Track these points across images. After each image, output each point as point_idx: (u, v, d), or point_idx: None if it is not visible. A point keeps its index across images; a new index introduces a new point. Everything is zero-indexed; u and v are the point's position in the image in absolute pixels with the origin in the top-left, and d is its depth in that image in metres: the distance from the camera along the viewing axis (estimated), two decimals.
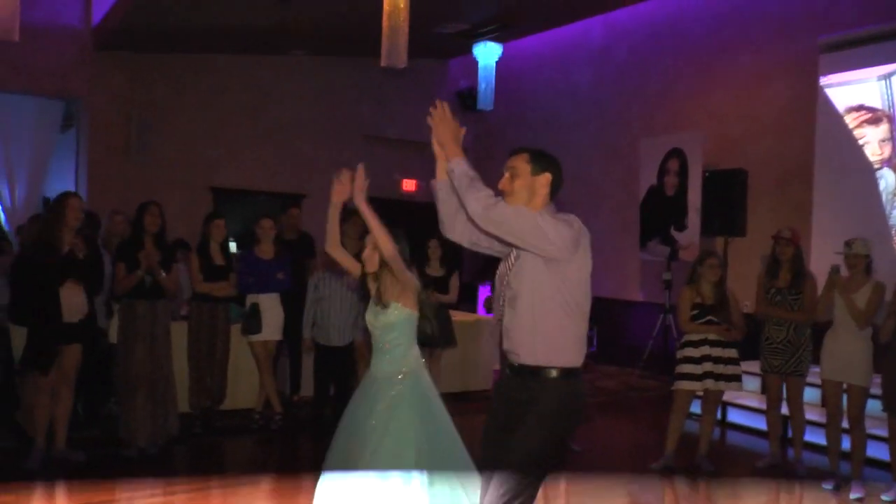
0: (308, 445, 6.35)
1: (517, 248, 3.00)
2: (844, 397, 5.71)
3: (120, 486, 5.23)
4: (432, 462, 3.53)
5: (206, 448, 6.16)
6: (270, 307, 6.45)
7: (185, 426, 6.24)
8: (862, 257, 5.66)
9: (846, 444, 5.80)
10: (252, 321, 6.36)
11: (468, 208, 2.91)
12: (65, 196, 5.49)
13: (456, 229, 3.22)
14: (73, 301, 5.41)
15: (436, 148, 3.16)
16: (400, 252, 3.69)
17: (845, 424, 5.74)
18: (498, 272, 3.16)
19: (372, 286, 3.82)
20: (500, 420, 3.11)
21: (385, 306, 3.71)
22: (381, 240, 3.63)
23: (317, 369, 6.50)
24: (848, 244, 5.72)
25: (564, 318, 2.98)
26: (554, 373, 2.98)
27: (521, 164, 3.10)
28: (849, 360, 5.57)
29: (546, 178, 3.09)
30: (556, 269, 2.95)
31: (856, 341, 5.59)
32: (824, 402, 5.86)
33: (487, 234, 3.05)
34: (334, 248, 3.94)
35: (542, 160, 3.12)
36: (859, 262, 5.66)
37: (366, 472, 3.50)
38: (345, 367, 6.46)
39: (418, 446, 3.53)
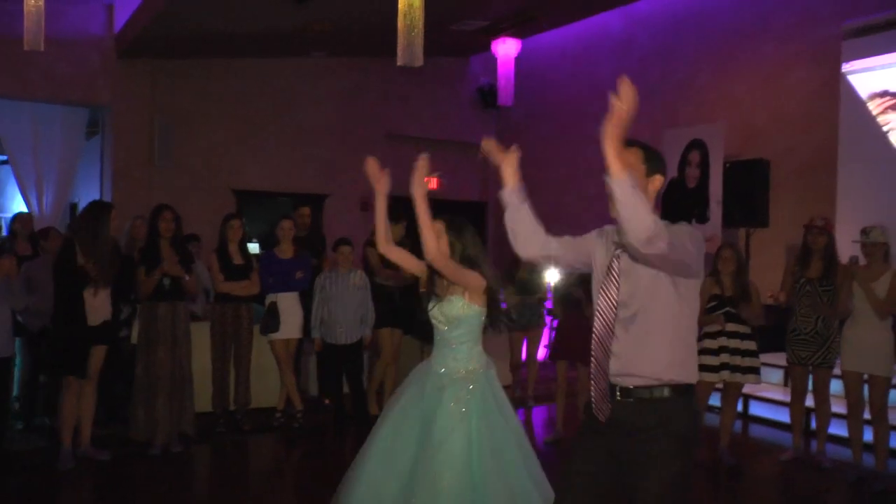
0: (329, 443, 6.42)
1: (635, 259, 2.59)
2: (866, 388, 5.63)
3: (144, 483, 5.34)
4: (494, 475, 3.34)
5: (229, 447, 6.24)
6: (290, 306, 6.52)
7: (207, 425, 6.35)
8: (880, 245, 5.56)
9: (869, 435, 5.72)
10: (271, 320, 6.43)
11: (636, 233, 2.33)
12: (106, 207, 5.70)
13: (531, 247, 2.87)
14: (97, 305, 5.53)
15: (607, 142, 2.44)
16: (464, 250, 3.51)
17: (868, 416, 5.66)
18: (601, 289, 2.73)
19: (435, 279, 3.58)
20: (611, 451, 2.69)
21: (446, 299, 3.49)
22: (426, 239, 3.37)
23: (321, 367, 6.58)
24: (865, 232, 5.62)
25: (686, 333, 2.71)
26: (678, 392, 2.64)
27: (636, 161, 2.68)
28: (870, 350, 5.48)
29: (659, 181, 2.74)
30: (685, 285, 2.65)
31: (877, 331, 5.51)
32: (847, 394, 5.78)
33: (635, 259, 2.58)
34: (387, 246, 3.69)
35: (657, 160, 2.75)
36: (877, 250, 5.56)
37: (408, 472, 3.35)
38: (354, 364, 6.56)
39: (481, 457, 3.34)
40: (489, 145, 2.90)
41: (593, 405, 2.74)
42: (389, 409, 3.62)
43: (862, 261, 5.67)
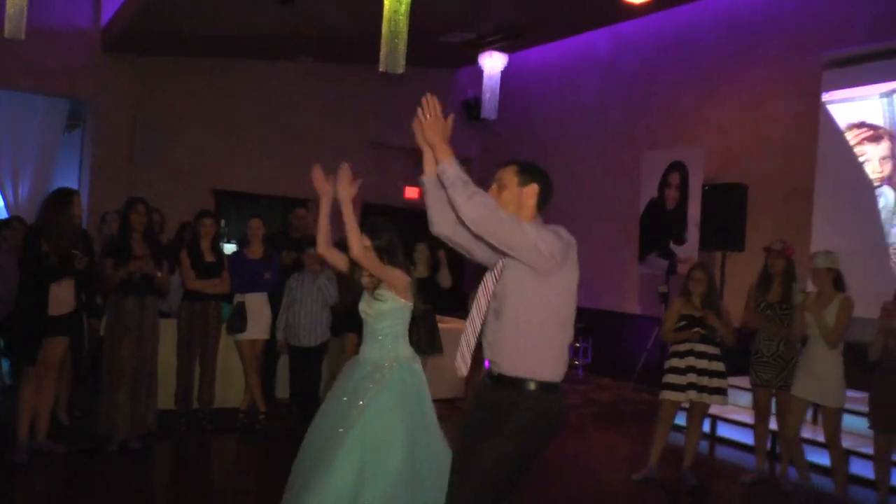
0: (290, 445, 6.33)
1: (506, 255, 2.94)
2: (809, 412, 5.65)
3: (100, 478, 5.25)
4: (410, 450, 3.55)
5: (188, 445, 6.16)
6: (257, 307, 6.47)
7: (169, 423, 6.28)
8: (824, 271, 5.52)
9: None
10: (237, 320, 6.38)
11: (461, 211, 2.82)
12: (68, 192, 5.61)
13: (443, 225, 3.14)
14: (61, 295, 5.45)
15: (423, 144, 3.10)
16: (386, 245, 3.82)
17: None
18: (483, 282, 3.11)
19: (366, 276, 3.87)
20: (475, 427, 3.07)
21: (375, 294, 3.78)
22: (351, 238, 3.69)
23: (290, 369, 6.53)
24: (811, 258, 5.62)
25: (549, 331, 2.97)
26: (533, 385, 2.95)
27: (509, 175, 3.09)
28: (821, 379, 5.45)
29: (533, 189, 3.07)
30: (544, 281, 2.92)
31: (827, 360, 5.46)
32: (787, 414, 5.73)
33: (478, 238, 2.98)
34: (325, 249, 4.02)
35: (529, 171, 3.11)
36: (821, 276, 5.52)
37: (340, 446, 3.52)
38: (313, 367, 6.50)
39: (396, 429, 3.57)
40: (419, 125, 3.09)
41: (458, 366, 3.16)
42: (324, 403, 3.87)
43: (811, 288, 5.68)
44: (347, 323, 6.72)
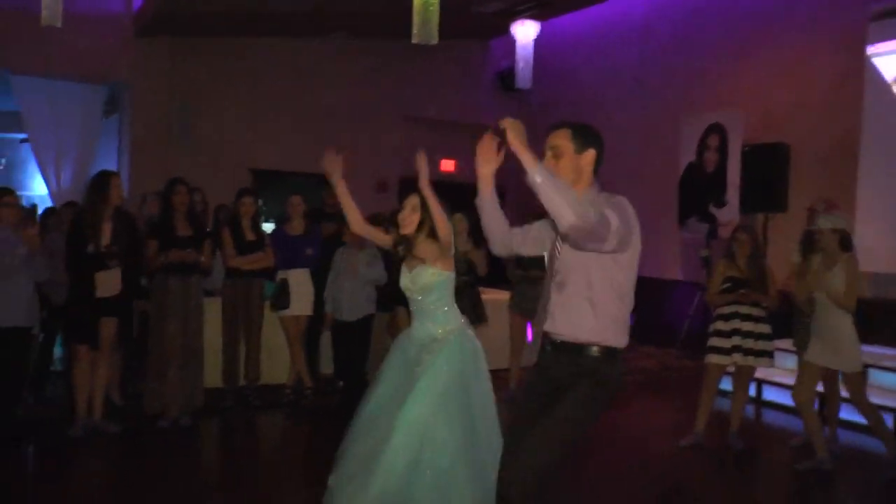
0: (336, 422, 6.39)
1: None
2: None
3: (153, 455, 5.38)
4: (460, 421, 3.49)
5: (237, 422, 6.27)
6: (300, 283, 6.52)
7: (216, 400, 6.39)
8: (828, 232, 5.33)
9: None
10: (281, 296, 6.44)
11: (565, 220, 2.62)
12: (108, 175, 5.68)
13: (500, 246, 3.27)
14: (106, 277, 5.56)
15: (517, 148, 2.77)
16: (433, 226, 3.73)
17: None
18: (547, 256, 3.14)
19: (406, 250, 3.82)
20: (536, 395, 3.07)
21: (420, 268, 3.71)
22: (439, 223, 3.67)
23: (333, 345, 6.59)
24: (813, 217, 5.49)
25: (611, 302, 2.94)
26: (596, 351, 2.94)
27: (564, 141, 2.95)
28: (834, 344, 5.31)
29: (591, 154, 2.98)
30: (610, 256, 2.88)
31: (838, 326, 5.29)
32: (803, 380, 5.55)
33: (566, 242, 2.92)
34: (359, 226, 4.01)
35: (585, 135, 2.99)
36: (825, 237, 5.34)
37: (398, 423, 3.45)
38: (358, 342, 6.51)
39: (452, 398, 3.50)
40: (511, 126, 2.81)
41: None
42: (375, 381, 3.80)
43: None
44: (396, 296, 6.75)
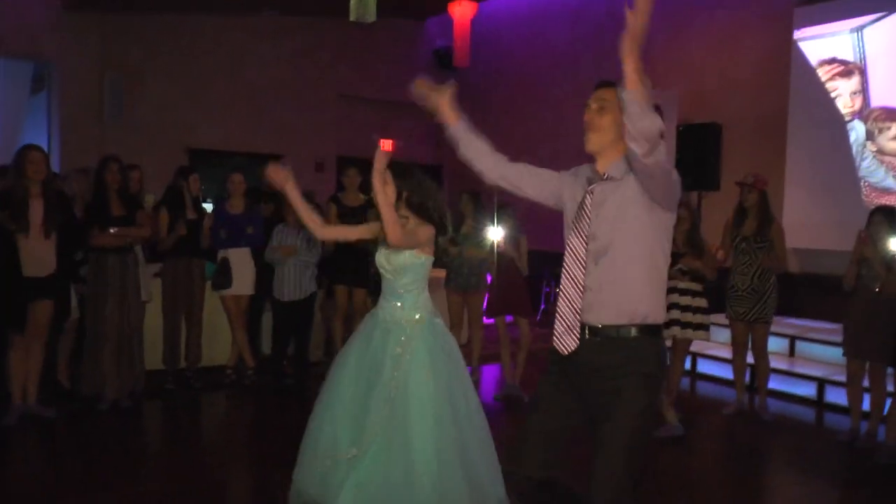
0: (278, 400, 6.39)
1: (594, 191, 2.71)
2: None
3: (93, 438, 5.28)
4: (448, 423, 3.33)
5: (178, 403, 6.20)
6: (241, 262, 6.46)
7: (157, 382, 6.31)
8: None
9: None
10: (222, 276, 6.38)
11: (645, 139, 2.39)
12: (24, 149, 5.46)
13: (491, 172, 3.00)
14: (38, 255, 5.37)
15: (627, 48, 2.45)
16: (410, 197, 3.50)
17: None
18: (567, 222, 2.80)
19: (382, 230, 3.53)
20: (572, 389, 2.73)
21: (393, 248, 3.48)
22: (389, 231, 3.35)
23: (274, 325, 6.58)
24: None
25: (656, 271, 2.67)
26: (646, 331, 2.64)
27: (614, 98, 2.67)
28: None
29: None
30: (658, 218, 2.66)
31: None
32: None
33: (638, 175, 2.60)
34: (321, 230, 3.75)
35: None
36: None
37: (374, 422, 3.32)
38: (302, 322, 6.52)
39: (437, 387, 3.35)
40: (421, 86, 2.91)
41: (556, 340, 2.72)
42: (339, 360, 3.63)
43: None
44: (338, 276, 6.75)
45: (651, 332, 2.67)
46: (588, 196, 2.72)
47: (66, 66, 9.82)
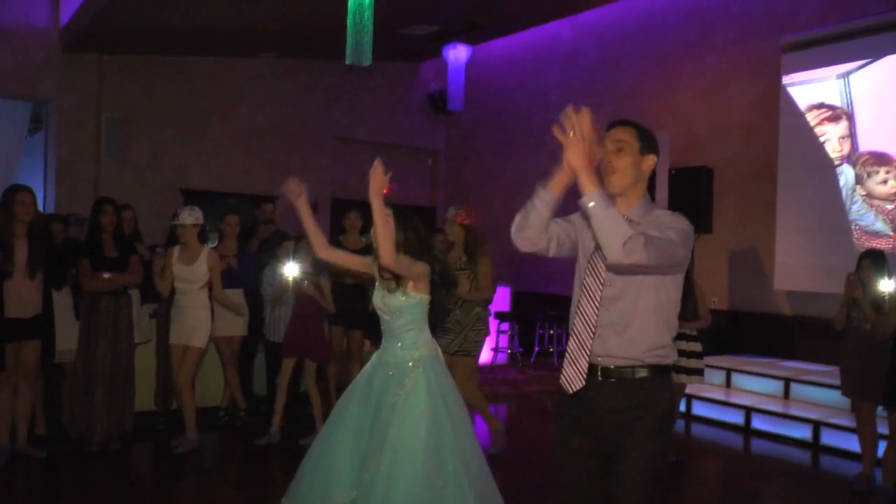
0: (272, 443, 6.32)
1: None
2: None
3: (84, 480, 5.22)
4: (439, 454, 3.40)
5: (169, 445, 6.12)
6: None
7: (149, 422, 6.25)
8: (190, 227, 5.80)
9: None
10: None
11: (615, 254, 2.40)
12: (13, 189, 5.45)
13: (529, 243, 2.77)
14: (24, 296, 5.33)
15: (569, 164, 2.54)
16: (406, 241, 3.57)
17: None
18: (580, 269, 2.79)
19: (386, 277, 3.62)
20: (588, 433, 2.72)
21: (392, 291, 3.56)
22: (382, 247, 3.39)
23: (267, 366, 6.55)
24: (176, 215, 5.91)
25: (669, 314, 2.70)
26: (655, 373, 2.66)
27: (630, 138, 2.67)
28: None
29: (652, 160, 2.72)
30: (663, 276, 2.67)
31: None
32: None
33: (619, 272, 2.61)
34: (325, 250, 3.75)
35: (650, 139, 2.72)
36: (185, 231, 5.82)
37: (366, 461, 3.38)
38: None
39: (428, 437, 3.39)
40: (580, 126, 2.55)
41: (563, 379, 2.70)
42: (342, 402, 3.68)
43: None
44: (334, 316, 6.71)
45: (661, 371, 2.69)
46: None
47: (63, 106, 9.89)
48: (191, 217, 5.81)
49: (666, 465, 2.75)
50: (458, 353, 5.70)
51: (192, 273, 5.78)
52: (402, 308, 3.57)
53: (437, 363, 3.63)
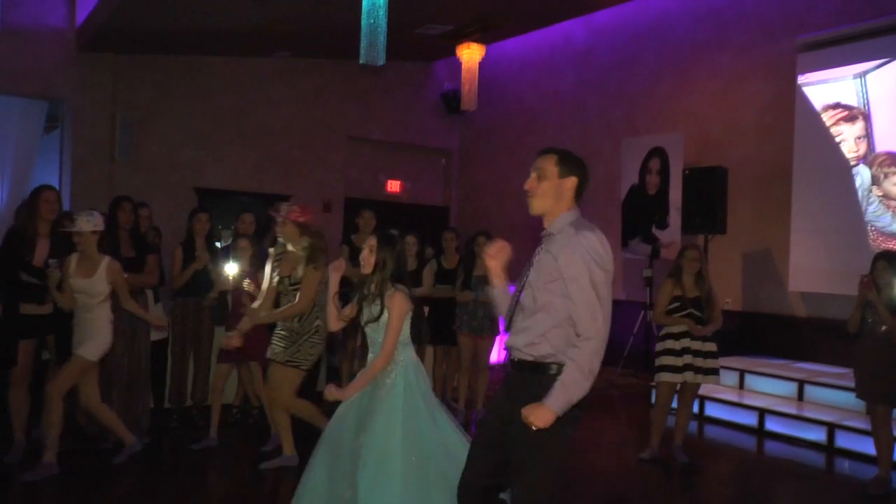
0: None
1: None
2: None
3: (100, 476, 5.25)
4: (417, 451, 3.65)
5: (183, 442, 6.14)
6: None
7: (161, 420, 6.28)
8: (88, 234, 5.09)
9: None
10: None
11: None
12: (39, 189, 5.52)
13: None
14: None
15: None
16: (387, 267, 3.91)
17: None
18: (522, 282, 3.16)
19: (365, 288, 3.98)
20: (501, 415, 3.12)
21: (375, 305, 3.89)
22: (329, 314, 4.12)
23: None
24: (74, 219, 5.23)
25: (567, 322, 2.97)
26: (555, 369, 2.95)
27: (549, 165, 3.09)
28: None
29: (572, 181, 3.09)
30: None
31: None
32: None
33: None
34: (337, 325, 4.19)
35: (569, 162, 3.11)
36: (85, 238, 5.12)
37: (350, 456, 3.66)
38: None
39: (405, 434, 3.66)
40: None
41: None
42: (338, 410, 3.97)
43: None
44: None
45: (546, 369, 2.98)
46: (537, 253, 3.10)
47: (78, 105, 9.94)
48: (89, 223, 5.09)
49: (563, 457, 3.09)
50: (289, 364, 5.21)
51: (92, 286, 5.09)
52: (384, 323, 3.87)
53: (418, 368, 3.92)
